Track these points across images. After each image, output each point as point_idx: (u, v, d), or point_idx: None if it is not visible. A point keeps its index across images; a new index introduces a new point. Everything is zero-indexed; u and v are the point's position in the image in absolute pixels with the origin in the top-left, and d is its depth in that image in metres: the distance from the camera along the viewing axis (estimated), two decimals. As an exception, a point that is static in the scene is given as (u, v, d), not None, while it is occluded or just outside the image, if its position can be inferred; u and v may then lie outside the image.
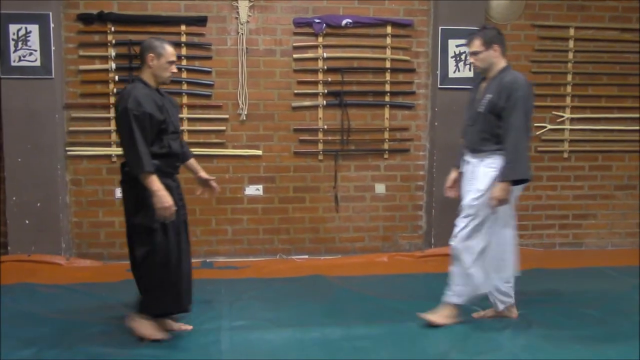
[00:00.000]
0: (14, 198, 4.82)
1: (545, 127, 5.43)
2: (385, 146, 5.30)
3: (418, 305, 3.73)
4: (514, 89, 3.32)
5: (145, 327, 3.26)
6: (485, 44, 3.41)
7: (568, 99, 5.45)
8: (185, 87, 5.04)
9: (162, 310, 3.30)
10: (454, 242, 3.51)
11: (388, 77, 5.24)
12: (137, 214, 3.16)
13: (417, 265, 4.98)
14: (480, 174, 3.45)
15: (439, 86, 5.15)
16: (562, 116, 5.45)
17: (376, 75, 5.25)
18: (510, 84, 3.34)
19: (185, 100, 5.04)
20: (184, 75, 5.03)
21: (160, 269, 3.18)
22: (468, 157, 3.59)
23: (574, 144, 5.50)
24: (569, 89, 5.44)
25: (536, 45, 5.37)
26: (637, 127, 5.51)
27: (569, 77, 5.43)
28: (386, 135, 5.28)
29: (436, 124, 5.19)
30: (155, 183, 3.07)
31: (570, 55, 5.40)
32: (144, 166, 3.05)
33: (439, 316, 3.50)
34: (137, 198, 3.14)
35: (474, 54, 3.46)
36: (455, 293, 3.50)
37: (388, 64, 5.23)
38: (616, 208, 5.62)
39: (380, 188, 5.30)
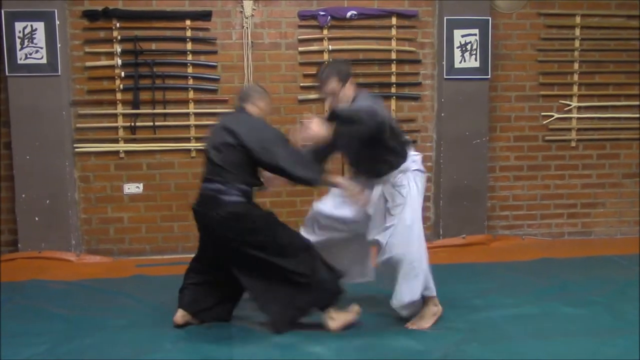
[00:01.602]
0: (23, 195, 4.85)
1: (553, 116, 5.41)
2: (392, 138, 5.29)
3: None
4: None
5: (341, 316, 3.31)
6: (341, 81, 3.23)
7: (575, 88, 5.42)
8: (191, 81, 5.04)
9: (339, 289, 3.33)
10: None
11: (394, 68, 5.22)
12: (275, 238, 3.21)
13: (425, 256, 4.97)
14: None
15: (445, 77, 5.13)
16: (569, 105, 5.42)
17: (382, 67, 5.24)
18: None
19: (191, 95, 5.05)
20: (190, 70, 5.04)
21: (316, 254, 3.30)
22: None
23: (581, 133, 5.47)
24: (575, 77, 5.41)
25: (542, 34, 5.34)
26: (645, 115, 5.49)
27: (576, 66, 5.39)
28: (393, 126, 5.27)
29: (443, 114, 5.18)
30: (334, 178, 3.38)
31: (577, 43, 5.37)
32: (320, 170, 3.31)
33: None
34: (262, 226, 3.21)
35: (331, 94, 3.24)
36: None
37: (394, 56, 5.21)
38: (624, 196, 5.60)
39: (387, 180, 5.29)
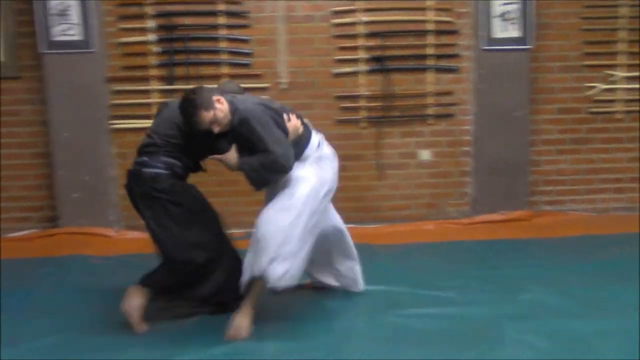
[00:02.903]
0: (61, 172, 4.90)
1: (597, 87, 5.22)
2: (430, 111, 5.18)
3: (466, 270, 3.70)
4: None
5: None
6: (210, 108, 2.93)
7: (621, 57, 5.21)
8: (224, 56, 5.01)
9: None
10: None
11: (430, 39, 5.09)
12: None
13: (464, 232, 4.89)
14: None
15: (484, 48, 4.99)
16: (615, 75, 5.22)
17: (418, 38, 5.11)
18: None
19: (225, 70, 5.01)
20: (223, 44, 5.00)
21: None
22: None
23: (627, 104, 5.27)
24: (621, 46, 5.20)
25: (586, 1, 5.14)
26: (696, 84, 5.25)
27: (622, 34, 5.18)
28: (430, 100, 5.16)
29: (481, 87, 5.04)
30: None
31: (623, 10, 5.15)
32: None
33: None
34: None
35: (212, 123, 2.95)
36: None
37: (430, 26, 5.08)
38: (672, 170, 5.40)
39: (425, 154, 5.19)
